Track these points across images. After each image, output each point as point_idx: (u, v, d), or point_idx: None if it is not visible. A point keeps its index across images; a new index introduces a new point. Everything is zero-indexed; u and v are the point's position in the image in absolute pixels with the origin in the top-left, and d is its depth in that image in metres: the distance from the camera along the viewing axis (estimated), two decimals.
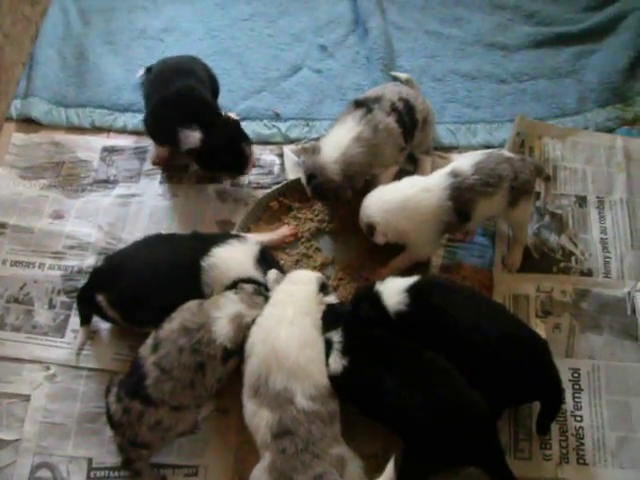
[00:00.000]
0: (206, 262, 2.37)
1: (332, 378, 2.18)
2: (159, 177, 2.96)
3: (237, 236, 2.50)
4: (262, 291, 2.33)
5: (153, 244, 2.50)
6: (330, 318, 2.28)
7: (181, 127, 2.66)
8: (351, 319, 2.29)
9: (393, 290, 2.28)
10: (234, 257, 2.40)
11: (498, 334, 2.18)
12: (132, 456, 2.22)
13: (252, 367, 2.15)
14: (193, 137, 2.65)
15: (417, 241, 2.53)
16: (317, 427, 2.06)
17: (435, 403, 2.05)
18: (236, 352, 2.22)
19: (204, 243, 2.43)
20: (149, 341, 2.23)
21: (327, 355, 2.21)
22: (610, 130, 3.07)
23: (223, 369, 2.22)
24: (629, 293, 2.62)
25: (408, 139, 2.72)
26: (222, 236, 2.50)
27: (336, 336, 2.24)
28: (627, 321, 2.56)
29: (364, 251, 2.70)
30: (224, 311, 2.23)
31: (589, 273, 2.67)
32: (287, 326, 2.19)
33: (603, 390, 2.42)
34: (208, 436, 2.35)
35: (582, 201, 2.85)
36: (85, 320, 2.51)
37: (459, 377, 2.12)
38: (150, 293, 2.34)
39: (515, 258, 2.65)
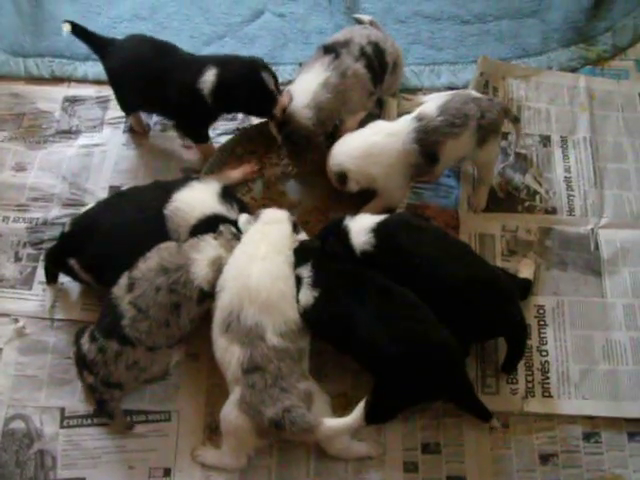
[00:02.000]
0: (168, 209, 2.35)
1: (303, 314, 2.20)
2: (123, 126, 2.92)
3: (196, 178, 2.49)
4: (240, 236, 2.32)
5: (117, 203, 2.46)
6: (300, 254, 2.29)
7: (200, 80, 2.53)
8: (320, 253, 2.30)
9: (360, 229, 2.30)
10: (195, 197, 2.38)
11: (463, 275, 2.20)
12: (105, 397, 2.24)
13: (224, 303, 2.17)
14: (208, 75, 2.50)
15: (386, 186, 2.53)
16: (286, 364, 2.11)
17: (405, 337, 2.08)
18: (211, 295, 2.23)
19: (166, 191, 2.40)
20: (123, 281, 2.22)
21: (298, 291, 2.23)
22: (573, 70, 3.09)
23: (197, 310, 2.24)
24: (592, 230, 2.66)
25: (377, 84, 2.71)
26: (183, 180, 2.47)
27: (305, 271, 2.25)
28: (591, 257, 2.61)
29: (331, 193, 2.69)
30: (204, 254, 2.24)
31: (553, 211, 2.71)
32: (260, 262, 2.21)
33: (567, 325, 2.48)
34: (179, 381, 2.37)
35: (546, 140, 2.88)
36: (52, 279, 2.49)
37: (429, 313, 2.15)
38: (122, 254, 2.29)
39: (481, 198, 2.68)
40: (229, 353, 2.13)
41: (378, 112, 2.87)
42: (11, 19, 3.23)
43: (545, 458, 2.26)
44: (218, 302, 2.19)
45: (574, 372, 2.39)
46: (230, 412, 2.11)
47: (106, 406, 2.26)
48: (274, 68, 2.99)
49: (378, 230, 2.28)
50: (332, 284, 2.22)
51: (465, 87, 2.93)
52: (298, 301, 2.22)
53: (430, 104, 2.54)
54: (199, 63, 2.55)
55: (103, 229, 2.36)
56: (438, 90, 2.90)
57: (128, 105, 2.78)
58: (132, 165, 2.83)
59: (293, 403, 2.06)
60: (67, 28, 2.62)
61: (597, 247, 2.62)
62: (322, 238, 2.37)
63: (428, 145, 2.46)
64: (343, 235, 2.31)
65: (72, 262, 2.37)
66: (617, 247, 2.62)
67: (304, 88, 2.58)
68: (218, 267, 2.23)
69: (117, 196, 2.54)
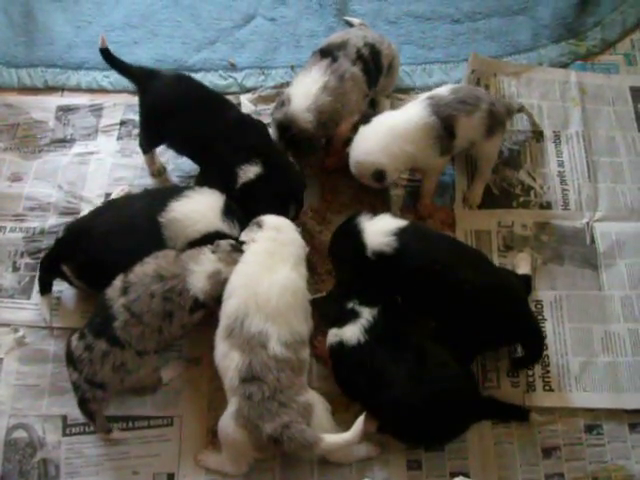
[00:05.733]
0: (164, 217, 2.33)
1: (336, 345, 2.22)
2: (116, 134, 2.93)
3: (189, 188, 2.46)
4: (240, 247, 2.29)
5: (108, 210, 2.45)
6: (370, 295, 2.27)
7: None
8: (388, 304, 2.27)
9: (379, 230, 2.27)
10: (196, 210, 2.36)
11: (479, 282, 2.20)
12: (88, 396, 2.20)
13: (230, 308, 2.15)
14: (250, 171, 2.46)
15: (427, 160, 2.51)
16: (286, 375, 2.07)
17: (433, 398, 2.10)
18: (204, 305, 2.23)
19: (157, 199, 2.39)
20: (117, 283, 2.22)
21: (344, 322, 2.23)
22: (564, 65, 3.11)
23: (189, 319, 2.24)
24: (587, 223, 2.68)
25: (372, 86, 2.72)
26: (175, 189, 2.46)
27: (367, 314, 2.22)
28: (587, 251, 2.62)
29: (330, 194, 2.70)
30: (202, 267, 2.23)
31: (548, 206, 2.72)
32: (272, 275, 2.18)
33: (566, 319, 2.49)
34: (181, 386, 2.37)
35: (539, 136, 2.89)
36: (45, 289, 2.47)
37: (457, 369, 2.17)
38: (112, 261, 2.28)
39: (476, 194, 2.69)
40: (228, 359, 2.10)
41: (374, 112, 2.87)
42: (3, 30, 3.23)
43: (548, 451, 2.28)
44: (224, 307, 2.17)
45: (574, 365, 2.40)
46: (228, 425, 2.08)
47: (87, 405, 2.22)
48: (266, 72, 3.05)
49: (400, 234, 2.24)
50: (380, 338, 2.19)
51: None
52: (338, 327, 2.24)
53: (441, 88, 2.60)
54: (246, 147, 2.50)
55: (92, 236, 2.36)
56: (430, 89, 2.90)
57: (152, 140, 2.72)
58: (127, 172, 2.82)
59: (292, 419, 2.02)
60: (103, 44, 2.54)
61: (593, 240, 2.64)
62: (335, 236, 2.38)
63: (444, 117, 2.47)
64: (354, 233, 2.29)
65: (65, 268, 2.38)
66: (612, 240, 2.64)
67: (303, 92, 2.58)
68: (216, 280, 2.22)
69: (108, 204, 2.53)
